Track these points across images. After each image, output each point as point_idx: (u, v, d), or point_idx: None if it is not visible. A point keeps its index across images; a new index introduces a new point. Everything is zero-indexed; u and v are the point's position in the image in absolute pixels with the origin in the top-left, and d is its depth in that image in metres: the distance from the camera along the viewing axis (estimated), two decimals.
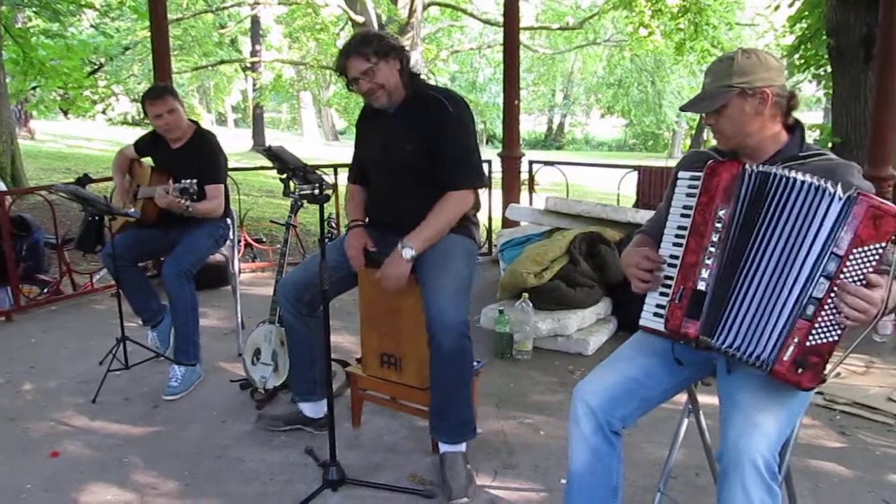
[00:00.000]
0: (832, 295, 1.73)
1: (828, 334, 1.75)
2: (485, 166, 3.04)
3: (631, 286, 2.06)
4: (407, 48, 2.91)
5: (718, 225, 1.88)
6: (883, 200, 1.72)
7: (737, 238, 1.86)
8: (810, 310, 1.76)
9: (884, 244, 1.70)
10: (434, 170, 2.77)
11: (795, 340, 1.77)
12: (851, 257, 1.72)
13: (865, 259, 1.71)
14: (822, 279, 1.75)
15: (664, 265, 1.98)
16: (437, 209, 2.76)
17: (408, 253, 2.71)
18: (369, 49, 2.71)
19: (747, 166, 1.88)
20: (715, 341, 1.88)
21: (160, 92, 3.69)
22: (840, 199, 1.73)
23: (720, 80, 1.94)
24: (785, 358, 1.78)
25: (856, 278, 1.71)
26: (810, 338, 1.76)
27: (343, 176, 4.15)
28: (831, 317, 1.74)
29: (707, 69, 2.03)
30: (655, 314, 1.98)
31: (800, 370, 1.77)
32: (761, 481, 1.71)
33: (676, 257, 1.96)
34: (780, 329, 1.80)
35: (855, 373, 3.72)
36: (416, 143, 2.77)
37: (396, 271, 2.72)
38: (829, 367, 1.78)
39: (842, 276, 1.72)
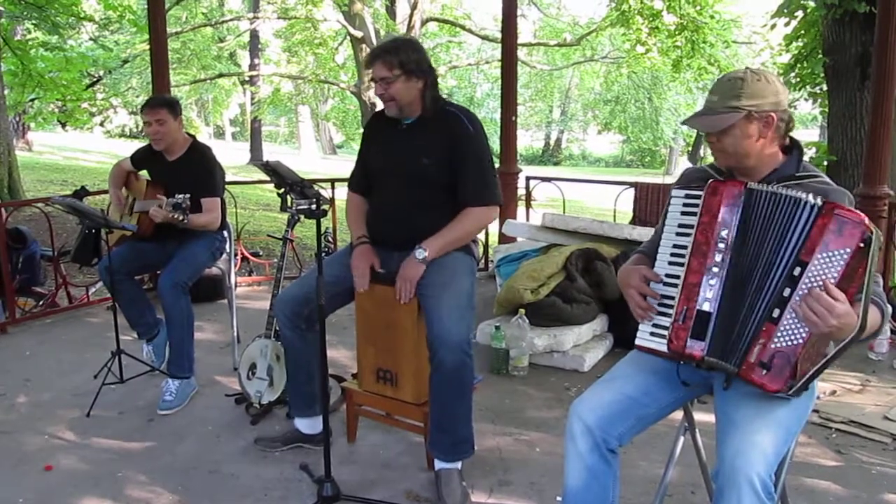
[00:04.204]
0: (796, 298, 1.76)
1: (792, 337, 1.78)
2: None
3: (627, 304, 2.06)
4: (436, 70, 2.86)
5: (721, 245, 1.89)
6: (850, 209, 1.75)
7: (739, 257, 1.87)
8: (776, 312, 1.79)
9: (849, 250, 1.71)
10: (448, 185, 2.76)
11: (761, 342, 1.81)
12: (816, 261, 1.74)
13: (829, 264, 1.73)
14: (788, 283, 1.78)
15: (661, 284, 1.99)
16: (457, 220, 2.76)
17: (420, 254, 2.70)
18: (395, 60, 2.68)
19: (749, 185, 1.89)
20: (723, 362, 1.88)
21: (157, 102, 3.75)
22: (812, 206, 1.77)
23: (728, 100, 1.93)
24: (751, 359, 1.81)
25: (818, 282, 1.73)
26: (775, 340, 1.79)
27: (340, 190, 4.15)
28: (795, 320, 1.77)
29: (714, 86, 2.00)
30: (653, 333, 1.99)
31: (764, 371, 1.79)
32: (757, 500, 1.72)
33: (672, 276, 1.97)
34: (751, 333, 1.83)
35: (851, 391, 3.72)
36: (434, 158, 2.75)
37: (410, 273, 2.72)
38: (805, 376, 1.78)
39: (805, 279, 1.75)
